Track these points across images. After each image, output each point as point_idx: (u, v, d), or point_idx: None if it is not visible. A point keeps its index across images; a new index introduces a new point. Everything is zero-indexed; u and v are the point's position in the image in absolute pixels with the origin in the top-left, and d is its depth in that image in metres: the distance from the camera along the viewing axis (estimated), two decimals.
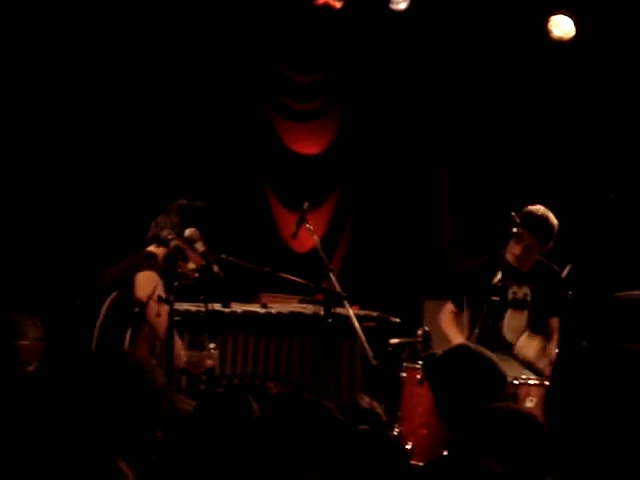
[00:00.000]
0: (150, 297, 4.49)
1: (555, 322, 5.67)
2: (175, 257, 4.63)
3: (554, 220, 5.56)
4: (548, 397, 2.11)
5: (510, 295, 5.64)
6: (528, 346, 5.33)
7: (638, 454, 1.97)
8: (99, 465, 1.66)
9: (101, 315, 4.67)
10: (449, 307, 5.77)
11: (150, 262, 4.79)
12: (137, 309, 4.57)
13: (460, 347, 3.79)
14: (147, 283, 4.63)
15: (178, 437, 2.98)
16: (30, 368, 4.95)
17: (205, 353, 5.08)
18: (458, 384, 3.57)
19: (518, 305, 5.67)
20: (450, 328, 5.69)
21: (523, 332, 5.63)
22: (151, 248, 4.90)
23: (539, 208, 5.60)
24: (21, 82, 7.00)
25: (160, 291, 4.61)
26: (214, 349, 5.08)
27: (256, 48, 7.93)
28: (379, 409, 3.42)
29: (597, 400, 2.00)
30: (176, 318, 4.59)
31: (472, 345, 3.81)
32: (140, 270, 4.72)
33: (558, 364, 2.22)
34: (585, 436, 2.00)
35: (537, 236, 5.52)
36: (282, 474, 1.79)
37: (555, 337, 5.63)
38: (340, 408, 2.88)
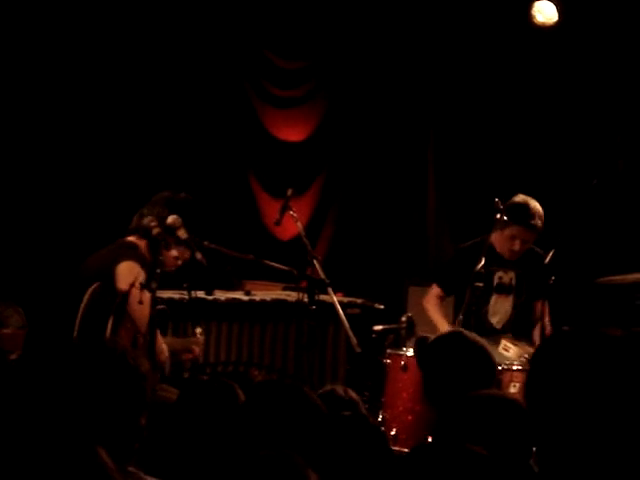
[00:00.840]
0: (132, 286, 4.47)
1: (539, 306, 5.68)
2: (158, 244, 4.60)
3: (534, 204, 5.55)
4: (528, 382, 2.11)
5: (496, 280, 5.65)
6: (507, 352, 5.32)
7: (618, 438, 1.97)
8: (79, 454, 1.65)
9: (82, 306, 4.65)
10: (434, 291, 5.77)
11: (131, 252, 4.75)
12: (119, 299, 4.55)
13: (454, 333, 3.80)
14: (128, 273, 4.60)
15: (162, 425, 2.97)
16: (12, 357, 4.93)
17: (192, 339, 5.07)
18: (450, 369, 3.57)
19: (503, 290, 5.68)
20: (435, 312, 5.69)
21: (506, 326, 5.64)
22: (132, 238, 4.86)
23: (518, 196, 5.59)
24: (5, 74, 6.95)
25: (142, 281, 4.58)
26: (200, 334, 5.06)
27: (240, 33, 7.90)
28: (355, 396, 3.42)
29: (577, 385, 2.00)
30: (159, 307, 4.57)
31: (466, 332, 3.81)
32: (120, 261, 4.68)
33: (538, 349, 2.21)
34: (565, 420, 2.01)
35: (522, 225, 5.51)
36: (271, 460, 1.78)
37: (540, 322, 5.64)
38: (322, 398, 2.88)
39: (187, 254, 4.82)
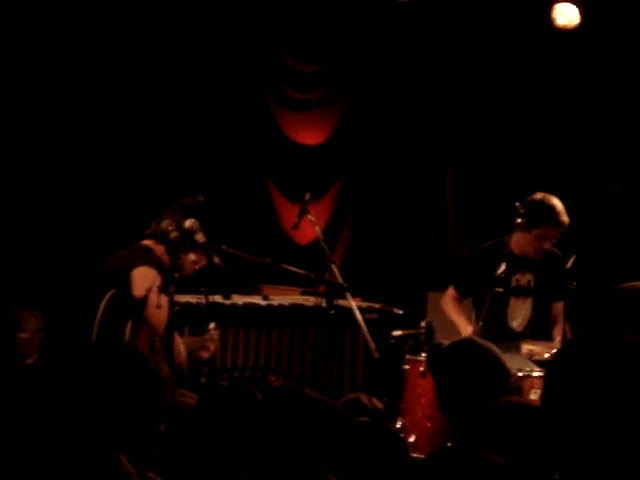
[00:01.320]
0: (149, 291, 4.45)
1: (559, 307, 5.63)
2: (176, 248, 4.58)
3: (557, 200, 5.47)
4: (545, 387, 2.10)
5: (513, 282, 5.60)
6: (531, 357, 5.26)
7: (637, 446, 1.94)
8: (100, 459, 1.62)
9: (99, 312, 4.63)
10: (450, 292, 5.72)
11: (145, 256, 4.73)
12: (136, 305, 4.53)
13: (466, 340, 3.78)
14: (144, 279, 4.59)
15: (182, 431, 2.94)
16: (29, 361, 4.91)
17: (206, 336, 5.03)
18: (461, 377, 3.56)
19: (522, 292, 5.62)
20: (453, 312, 5.64)
21: (526, 327, 5.59)
22: (147, 242, 4.84)
23: (537, 195, 5.52)
24: (24, 79, 6.95)
25: (159, 285, 4.56)
26: (214, 329, 5.02)
27: (257, 36, 7.89)
28: (379, 405, 3.39)
29: (593, 391, 1.99)
30: (175, 308, 4.54)
31: (478, 339, 3.78)
32: (136, 266, 4.66)
33: (556, 355, 2.19)
34: (582, 425, 1.99)
35: (553, 224, 5.44)
36: (295, 467, 1.76)
37: (559, 322, 5.59)
38: (342, 406, 2.86)
39: (204, 259, 4.80)
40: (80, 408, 2.36)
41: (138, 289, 4.56)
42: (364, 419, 2.81)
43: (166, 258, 4.74)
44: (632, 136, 7.67)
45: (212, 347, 4.98)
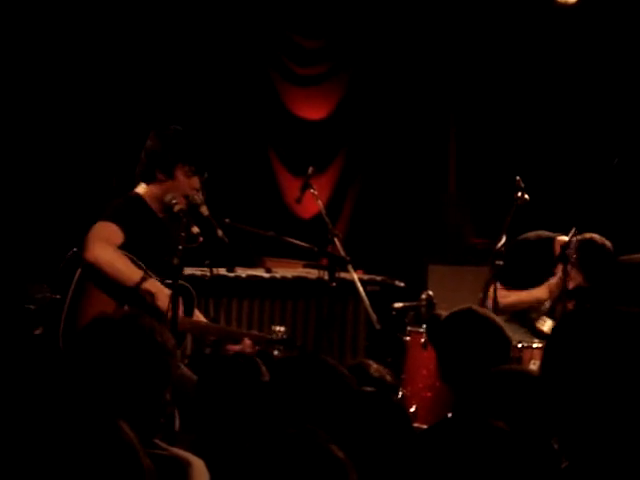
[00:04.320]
0: (102, 248, 4.21)
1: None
2: (180, 220, 4.57)
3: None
4: (544, 358, 2.11)
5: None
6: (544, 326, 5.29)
7: (634, 419, 1.98)
8: (101, 426, 1.67)
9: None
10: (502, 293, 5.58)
11: (109, 211, 4.42)
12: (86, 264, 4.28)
13: (466, 310, 3.74)
14: (96, 237, 4.30)
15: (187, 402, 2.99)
16: (37, 332, 4.97)
17: (246, 332, 4.75)
18: (462, 346, 3.55)
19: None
20: (517, 294, 5.46)
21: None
22: (139, 189, 4.59)
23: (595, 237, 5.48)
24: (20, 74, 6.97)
25: (115, 240, 4.29)
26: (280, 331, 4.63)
27: (261, 12, 7.89)
28: (388, 376, 3.39)
29: (593, 363, 2.00)
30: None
31: (478, 308, 3.80)
32: (95, 223, 4.37)
33: (557, 326, 2.21)
34: (581, 398, 2.01)
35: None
36: (295, 437, 1.79)
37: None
38: (350, 371, 2.87)
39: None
40: (86, 377, 2.41)
41: (88, 250, 4.29)
42: (369, 389, 2.84)
43: (159, 202, 4.51)
44: (632, 109, 7.69)
45: (247, 348, 4.46)
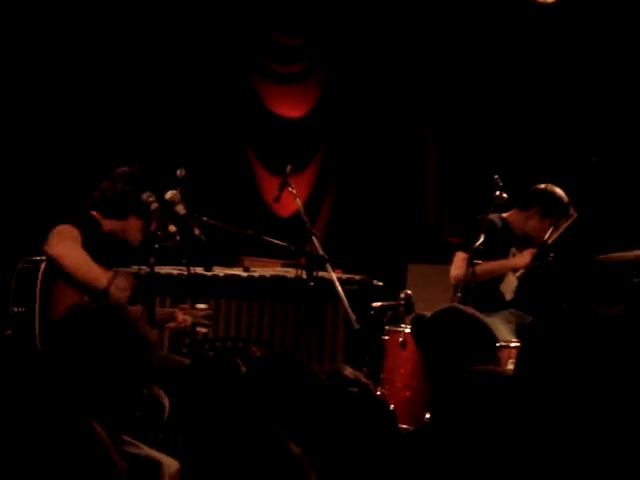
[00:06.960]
0: (65, 247, 4.40)
1: None
2: (157, 219, 4.57)
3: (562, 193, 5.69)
4: (519, 358, 2.10)
5: (510, 256, 5.70)
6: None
7: (607, 417, 1.97)
8: (72, 424, 1.65)
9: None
10: (461, 256, 5.61)
11: (72, 218, 4.62)
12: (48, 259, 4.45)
13: (450, 308, 3.74)
14: (59, 236, 4.48)
15: (170, 399, 2.96)
16: (7, 332, 4.93)
17: (200, 313, 4.95)
18: (448, 346, 3.52)
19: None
20: (486, 264, 5.48)
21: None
22: (93, 213, 4.75)
23: (555, 188, 5.74)
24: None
25: (74, 243, 4.48)
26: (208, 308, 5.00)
27: (240, 9, 7.87)
28: (363, 379, 3.38)
29: (566, 364, 1.99)
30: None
31: (462, 307, 3.78)
32: (56, 225, 4.56)
33: (531, 326, 2.20)
34: (554, 400, 2.00)
35: (570, 217, 5.67)
36: (249, 432, 1.79)
37: None
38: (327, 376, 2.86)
39: (154, 226, 4.73)
40: (63, 368, 2.38)
41: (51, 245, 4.47)
42: (354, 389, 2.82)
43: (115, 229, 4.70)
44: (610, 109, 7.72)
45: (181, 317, 4.85)
